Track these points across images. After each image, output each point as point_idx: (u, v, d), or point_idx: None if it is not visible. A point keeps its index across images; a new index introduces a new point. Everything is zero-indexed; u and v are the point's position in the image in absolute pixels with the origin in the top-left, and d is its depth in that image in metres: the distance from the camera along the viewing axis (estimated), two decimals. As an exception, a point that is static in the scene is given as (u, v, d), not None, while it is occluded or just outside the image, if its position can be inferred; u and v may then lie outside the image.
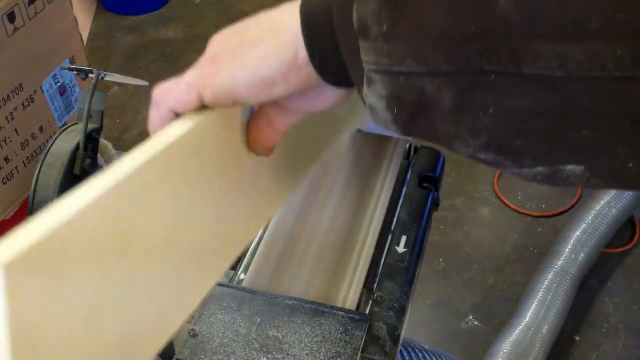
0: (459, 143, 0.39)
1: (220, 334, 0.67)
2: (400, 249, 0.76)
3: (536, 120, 0.35)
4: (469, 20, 0.35)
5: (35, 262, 0.34)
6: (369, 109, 0.42)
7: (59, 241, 0.35)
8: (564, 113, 0.35)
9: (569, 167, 0.37)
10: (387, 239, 0.77)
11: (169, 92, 0.48)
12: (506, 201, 2.15)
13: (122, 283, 0.40)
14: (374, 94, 0.40)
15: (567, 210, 2.12)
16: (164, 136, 0.43)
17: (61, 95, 1.60)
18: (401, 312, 0.70)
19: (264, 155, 0.52)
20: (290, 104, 0.49)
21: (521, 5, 0.33)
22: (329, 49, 0.43)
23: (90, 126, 1.04)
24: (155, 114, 0.48)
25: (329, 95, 0.48)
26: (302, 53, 0.44)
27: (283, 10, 0.46)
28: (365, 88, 0.41)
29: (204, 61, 0.47)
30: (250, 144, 0.52)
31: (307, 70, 0.44)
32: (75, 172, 1.02)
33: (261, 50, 0.44)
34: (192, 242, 0.47)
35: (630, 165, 0.35)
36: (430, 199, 0.83)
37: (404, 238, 0.77)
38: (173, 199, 0.44)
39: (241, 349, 0.65)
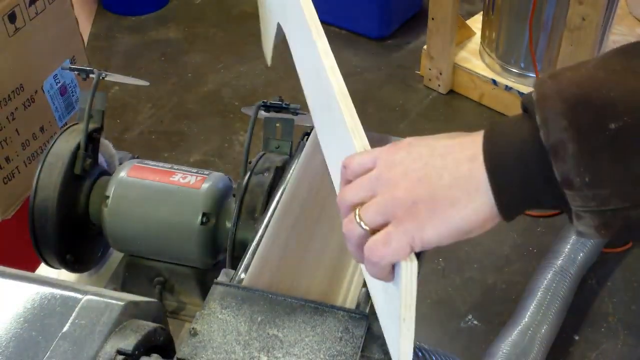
0: None
1: (221, 333, 0.67)
2: (400, 248, 0.76)
3: None
4: None
5: None
6: (577, 233, 0.52)
7: None
8: None
9: None
10: (386, 238, 0.77)
11: (384, 251, 0.54)
12: (506, 201, 2.15)
13: None
14: (583, 225, 0.50)
15: (566, 210, 2.12)
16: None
17: (62, 95, 1.61)
18: (401, 311, 0.70)
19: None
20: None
21: None
22: (520, 198, 0.52)
23: (91, 126, 1.04)
24: (375, 270, 0.56)
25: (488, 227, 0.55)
26: (494, 208, 0.52)
27: (459, 156, 0.53)
28: (575, 221, 0.51)
29: (398, 211, 0.54)
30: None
31: (498, 218, 0.53)
32: (76, 172, 1.02)
33: (459, 211, 0.53)
34: None
35: None
36: (429, 199, 0.83)
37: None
38: None
39: (241, 347, 0.65)
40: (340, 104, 0.62)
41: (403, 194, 0.54)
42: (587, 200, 0.48)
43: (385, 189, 0.55)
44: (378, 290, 0.64)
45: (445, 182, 0.53)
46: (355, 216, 0.56)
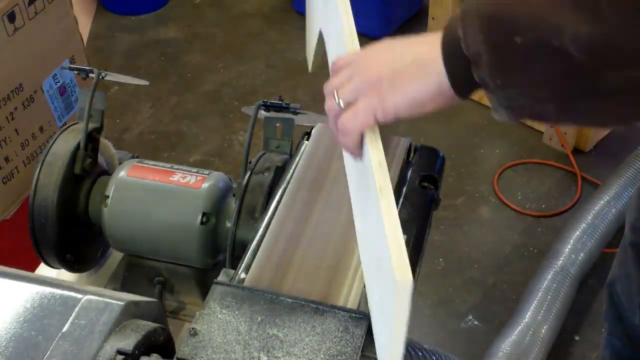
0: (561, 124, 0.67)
1: (221, 333, 0.67)
2: (401, 248, 0.76)
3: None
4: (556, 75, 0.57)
5: None
6: (496, 116, 0.63)
7: None
8: None
9: None
10: (387, 238, 0.77)
11: (352, 123, 0.66)
12: (506, 201, 2.15)
13: None
14: (499, 114, 0.62)
15: (566, 211, 2.12)
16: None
17: (61, 95, 1.61)
18: (401, 311, 0.70)
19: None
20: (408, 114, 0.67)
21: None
22: (467, 86, 0.63)
23: (91, 126, 1.04)
24: (347, 140, 0.67)
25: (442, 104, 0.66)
26: (446, 87, 0.63)
27: (421, 47, 0.65)
28: (493, 112, 0.63)
29: (366, 87, 0.65)
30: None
31: (450, 94, 0.63)
32: (76, 172, 1.02)
33: (415, 85, 0.64)
34: None
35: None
36: (430, 198, 0.83)
37: (403, 237, 0.77)
38: None
39: (242, 347, 0.65)
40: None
41: (371, 73, 0.65)
42: (500, 97, 0.60)
43: (359, 71, 0.66)
44: (358, 199, 0.72)
45: (407, 60, 0.64)
46: (334, 96, 0.67)
